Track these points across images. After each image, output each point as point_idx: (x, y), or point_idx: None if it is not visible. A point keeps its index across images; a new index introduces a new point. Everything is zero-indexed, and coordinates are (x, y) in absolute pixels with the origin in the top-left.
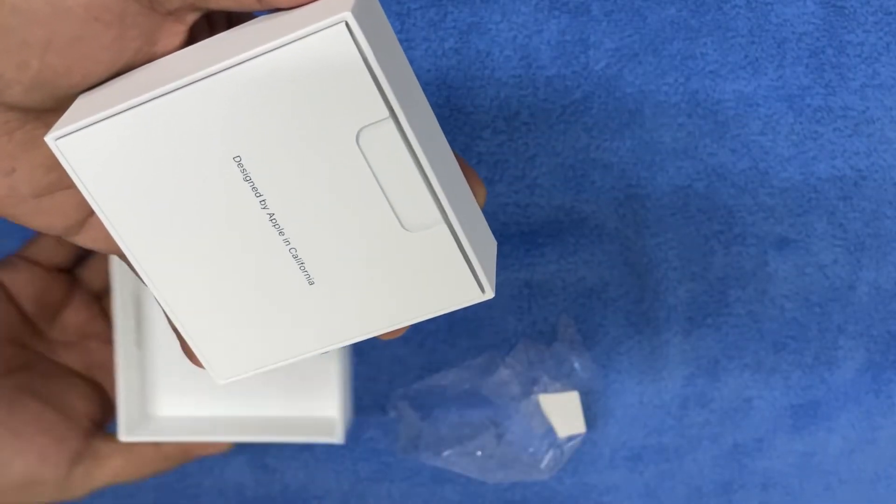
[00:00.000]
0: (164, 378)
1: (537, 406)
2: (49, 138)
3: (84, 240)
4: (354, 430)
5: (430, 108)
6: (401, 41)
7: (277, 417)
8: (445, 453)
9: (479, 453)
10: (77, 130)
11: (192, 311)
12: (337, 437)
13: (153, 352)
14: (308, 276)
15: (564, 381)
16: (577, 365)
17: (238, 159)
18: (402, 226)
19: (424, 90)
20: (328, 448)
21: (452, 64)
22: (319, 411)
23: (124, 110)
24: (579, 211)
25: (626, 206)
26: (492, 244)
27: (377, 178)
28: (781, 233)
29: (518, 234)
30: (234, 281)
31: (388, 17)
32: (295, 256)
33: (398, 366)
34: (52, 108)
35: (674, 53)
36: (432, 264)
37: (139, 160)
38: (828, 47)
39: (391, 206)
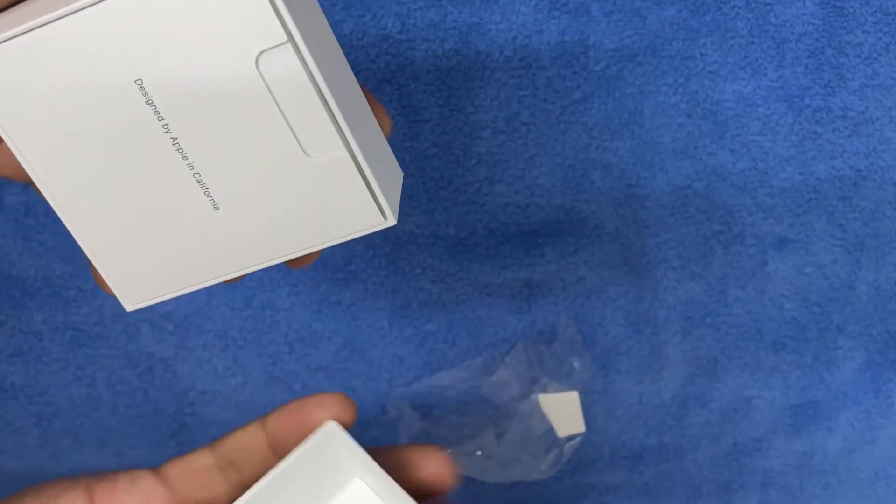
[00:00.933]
0: None
1: (537, 406)
2: None
3: None
4: (354, 430)
5: (334, 37)
6: (401, 42)
7: None
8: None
9: (479, 453)
10: None
11: (99, 236)
12: None
13: None
14: (213, 202)
15: (564, 381)
16: (576, 365)
17: (140, 82)
18: (304, 152)
19: (424, 90)
20: None
21: (453, 65)
22: None
23: (25, 32)
24: (579, 211)
25: (625, 207)
26: (397, 175)
27: (278, 104)
28: (781, 233)
29: (518, 234)
30: (139, 206)
31: (388, 17)
32: (199, 181)
33: (398, 366)
34: None
35: (673, 54)
36: (335, 190)
37: (42, 83)
38: (827, 48)
39: (293, 132)
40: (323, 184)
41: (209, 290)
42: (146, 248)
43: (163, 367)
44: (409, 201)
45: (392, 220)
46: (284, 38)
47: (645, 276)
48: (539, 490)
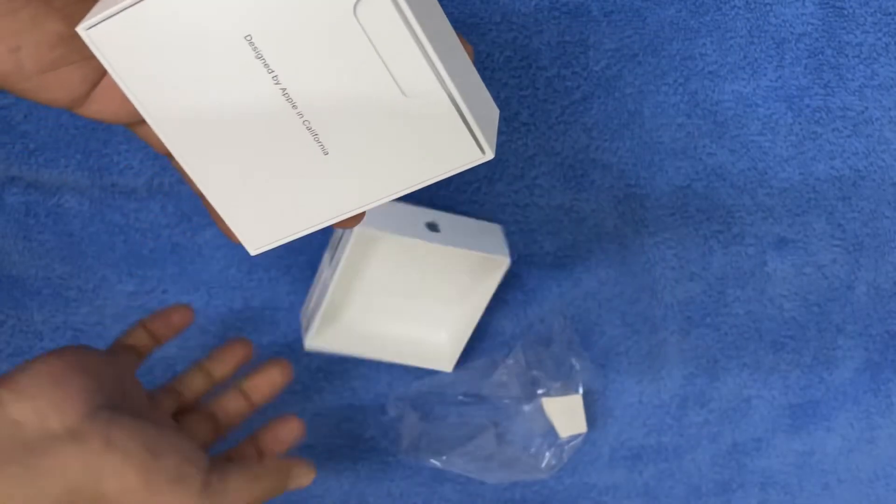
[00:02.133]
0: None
1: (538, 407)
2: (80, 29)
3: (88, 111)
4: (354, 430)
5: None
6: None
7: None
8: (446, 453)
9: (479, 453)
10: (105, 20)
11: (222, 187)
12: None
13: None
14: (322, 147)
15: (564, 381)
16: (576, 365)
17: (249, 38)
18: (403, 93)
19: None
20: (328, 447)
21: None
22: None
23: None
24: (578, 210)
25: (625, 206)
26: (493, 110)
27: (376, 48)
28: (780, 233)
29: (518, 234)
30: (256, 155)
31: None
32: (309, 128)
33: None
34: None
35: (673, 54)
36: (434, 128)
37: (163, 45)
38: (827, 48)
39: (391, 75)
40: (423, 122)
41: (209, 291)
42: (265, 196)
43: (163, 367)
44: (408, 200)
45: (490, 154)
46: None
47: (642, 276)
48: (539, 489)
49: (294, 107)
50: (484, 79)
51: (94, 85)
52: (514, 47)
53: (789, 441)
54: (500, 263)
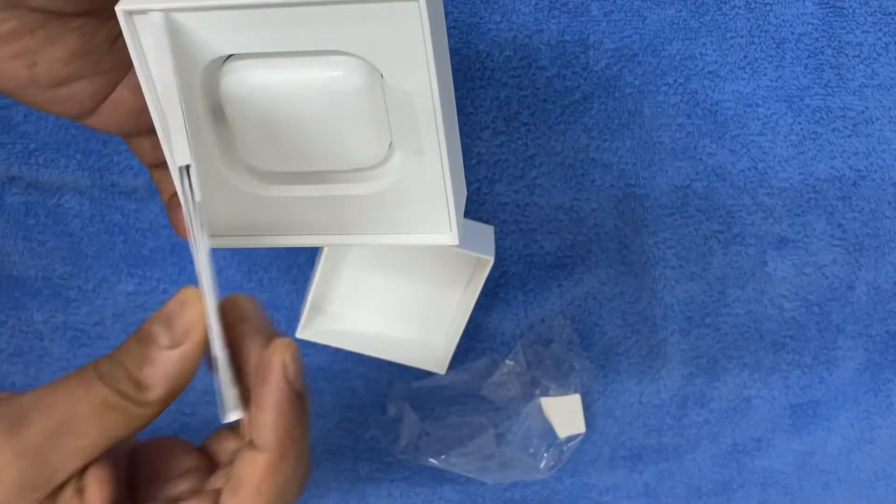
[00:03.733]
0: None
1: (537, 407)
2: (118, 8)
3: (94, 123)
4: (354, 430)
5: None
6: None
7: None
8: (445, 453)
9: (478, 453)
10: (145, 11)
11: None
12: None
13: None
14: None
15: (563, 381)
16: (576, 365)
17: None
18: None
19: None
20: (328, 447)
21: (452, 64)
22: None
23: (191, 8)
24: (578, 210)
25: (625, 206)
26: (464, 195)
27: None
28: (780, 233)
29: (517, 233)
30: None
31: None
32: None
33: (398, 366)
34: (71, 11)
35: (673, 54)
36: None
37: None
38: (827, 48)
39: None
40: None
41: None
42: None
43: None
44: None
45: (457, 241)
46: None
47: (642, 276)
48: (539, 490)
49: None
50: (484, 78)
51: (104, 98)
52: (514, 47)
53: (789, 441)
54: (485, 263)
